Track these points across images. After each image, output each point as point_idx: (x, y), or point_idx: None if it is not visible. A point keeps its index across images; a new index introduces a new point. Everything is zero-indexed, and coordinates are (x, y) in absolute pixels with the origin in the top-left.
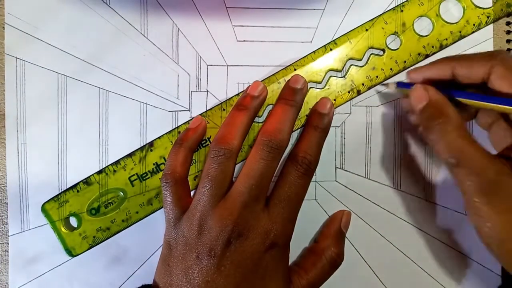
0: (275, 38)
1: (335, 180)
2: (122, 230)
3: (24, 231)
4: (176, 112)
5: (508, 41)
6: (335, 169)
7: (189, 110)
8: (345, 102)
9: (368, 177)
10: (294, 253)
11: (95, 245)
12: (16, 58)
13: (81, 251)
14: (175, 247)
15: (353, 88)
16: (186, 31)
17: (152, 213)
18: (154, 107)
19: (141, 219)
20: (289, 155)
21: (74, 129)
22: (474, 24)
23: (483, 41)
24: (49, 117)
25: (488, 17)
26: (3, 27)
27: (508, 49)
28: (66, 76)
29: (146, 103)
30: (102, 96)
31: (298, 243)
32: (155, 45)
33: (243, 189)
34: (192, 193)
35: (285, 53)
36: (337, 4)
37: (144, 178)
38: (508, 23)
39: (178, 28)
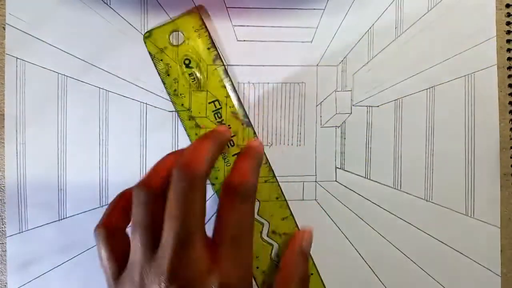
0: (275, 38)
1: (335, 180)
2: None
3: (22, 232)
4: (176, 112)
5: (508, 41)
6: (335, 169)
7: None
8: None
9: (368, 177)
10: None
11: None
12: (16, 58)
13: None
14: None
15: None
16: None
17: None
18: (154, 107)
19: None
20: (222, 187)
21: (74, 129)
22: None
23: (485, 40)
24: (49, 117)
25: None
26: (4, 27)
27: (508, 49)
28: (66, 76)
29: (146, 103)
30: (102, 96)
31: None
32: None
33: (169, 235)
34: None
35: (285, 53)
36: (337, 4)
37: None
38: (508, 23)
39: None
